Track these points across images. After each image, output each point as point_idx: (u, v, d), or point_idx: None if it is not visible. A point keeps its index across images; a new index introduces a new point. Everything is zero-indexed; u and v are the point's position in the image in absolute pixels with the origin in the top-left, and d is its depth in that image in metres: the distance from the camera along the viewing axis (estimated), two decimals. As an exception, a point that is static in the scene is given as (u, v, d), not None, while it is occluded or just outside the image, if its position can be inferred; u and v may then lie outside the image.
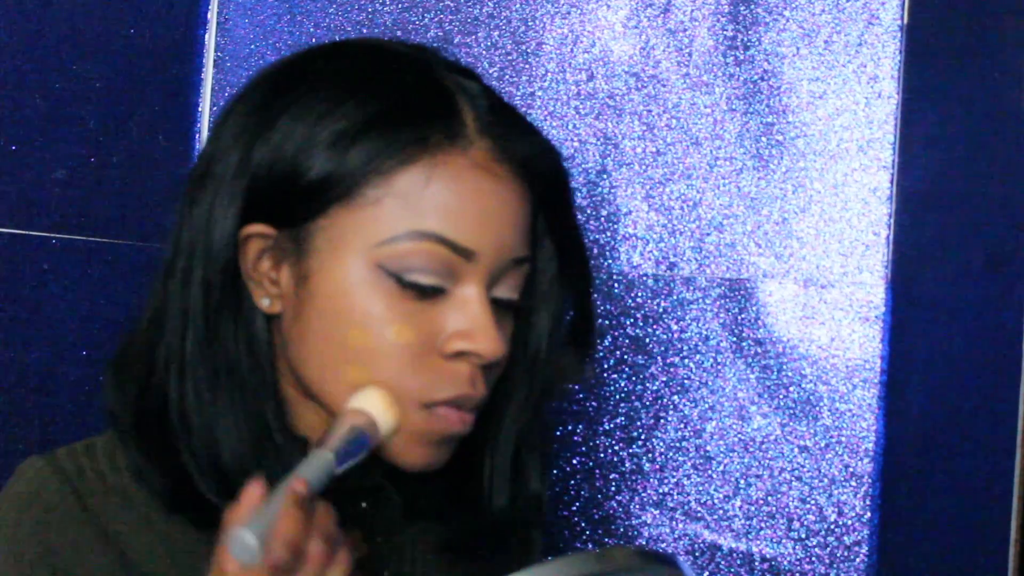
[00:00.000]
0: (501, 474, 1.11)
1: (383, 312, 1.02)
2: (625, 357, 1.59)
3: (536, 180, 1.07)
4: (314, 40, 1.63)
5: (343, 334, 1.02)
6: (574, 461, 1.60)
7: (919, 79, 1.56)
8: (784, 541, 1.56)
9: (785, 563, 1.55)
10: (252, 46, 1.68)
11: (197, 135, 1.67)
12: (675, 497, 1.58)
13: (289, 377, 1.07)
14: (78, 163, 1.62)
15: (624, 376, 1.60)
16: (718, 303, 1.59)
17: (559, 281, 1.11)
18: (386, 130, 1.02)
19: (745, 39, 1.60)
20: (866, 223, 1.56)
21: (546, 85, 1.63)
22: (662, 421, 1.59)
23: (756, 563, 1.56)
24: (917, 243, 1.57)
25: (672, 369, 1.59)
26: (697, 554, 1.57)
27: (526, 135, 1.07)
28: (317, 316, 1.03)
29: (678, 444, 1.58)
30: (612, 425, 1.59)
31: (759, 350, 1.57)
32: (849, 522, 1.55)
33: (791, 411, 1.56)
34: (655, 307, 1.60)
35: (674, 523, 1.58)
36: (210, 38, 1.68)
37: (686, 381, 1.59)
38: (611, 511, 1.59)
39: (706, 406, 1.58)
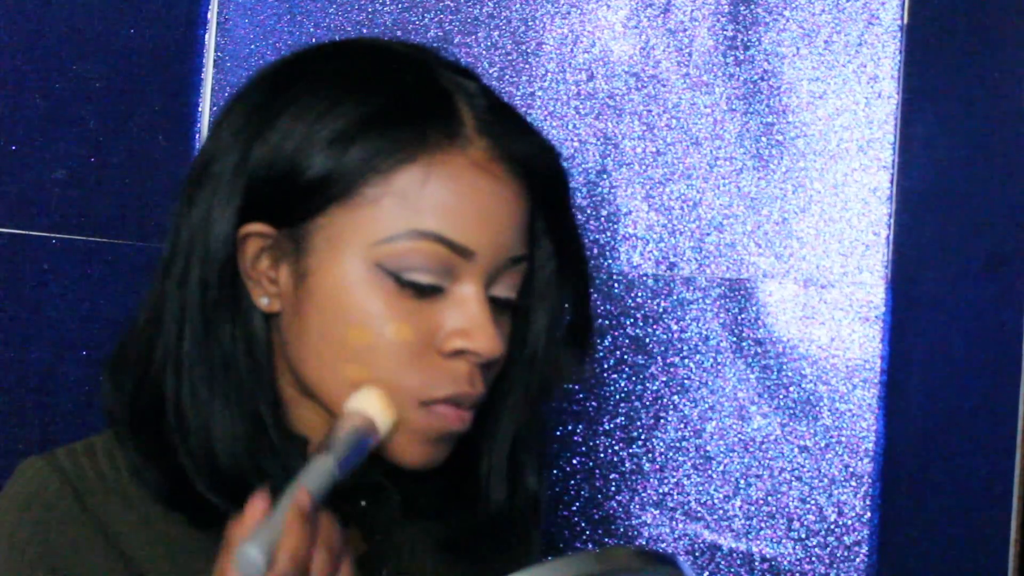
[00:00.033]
0: (498, 472, 1.12)
1: (382, 310, 1.02)
2: (625, 357, 1.59)
3: (534, 180, 1.07)
4: (314, 40, 1.63)
5: (342, 332, 1.03)
6: (574, 461, 1.60)
7: (919, 79, 1.56)
8: (784, 541, 1.56)
9: (785, 563, 1.55)
10: (252, 46, 1.68)
11: (197, 135, 1.67)
12: (675, 497, 1.58)
13: (288, 376, 1.07)
14: (78, 163, 1.62)
15: (624, 376, 1.60)
16: (718, 303, 1.59)
17: (557, 280, 1.12)
18: (385, 129, 1.02)
19: (745, 39, 1.60)
20: (866, 223, 1.56)
21: (546, 85, 1.63)
22: (662, 421, 1.59)
23: (756, 563, 1.56)
24: (917, 243, 1.57)
25: (672, 369, 1.59)
26: (697, 554, 1.57)
27: (524, 135, 1.07)
28: (316, 315, 1.03)
29: (678, 444, 1.58)
30: (612, 425, 1.59)
31: (759, 350, 1.57)
32: (849, 522, 1.55)
33: (791, 411, 1.56)
34: (655, 307, 1.60)
35: (674, 523, 1.58)
36: (210, 38, 1.68)
37: (686, 381, 1.59)
38: (611, 511, 1.59)
39: (706, 406, 1.58)
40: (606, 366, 1.60)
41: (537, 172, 1.07)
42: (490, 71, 1.63)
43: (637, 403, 1.59)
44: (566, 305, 1.13)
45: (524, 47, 1.63)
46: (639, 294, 1.60)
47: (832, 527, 1.55)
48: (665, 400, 1.59)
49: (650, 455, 1.58)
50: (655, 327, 1.59)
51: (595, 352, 1.60)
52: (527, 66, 1.63)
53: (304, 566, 0.91)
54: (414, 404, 1.03)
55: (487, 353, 1.03)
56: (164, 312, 1.06)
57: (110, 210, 1.63)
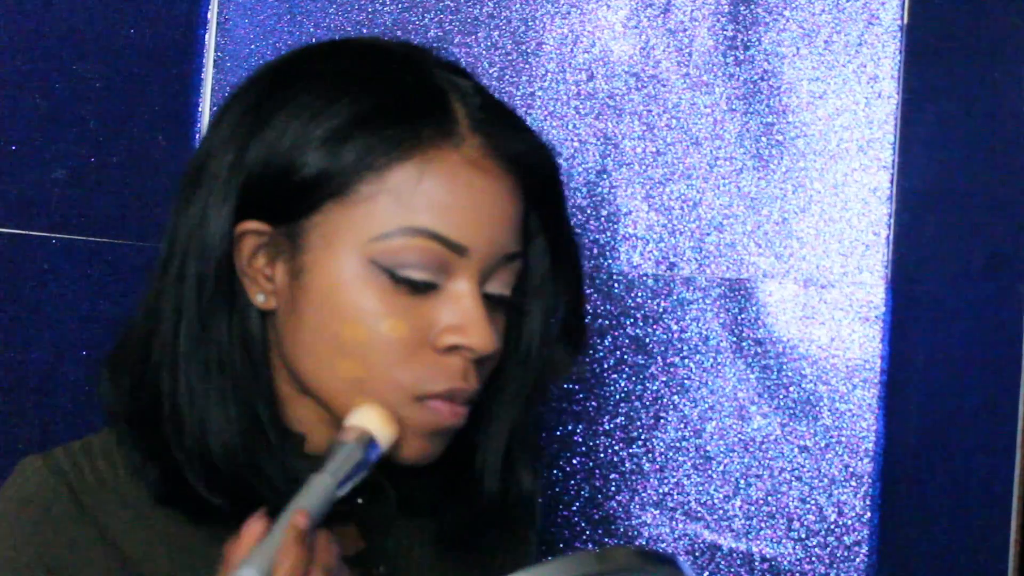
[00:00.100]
0: (492, 468, 1.12)
1: (376, 307, 1.03)
2: (625, 357, 1.59)
3: (528, 177, 1.08)
4: (314, 40, 1.63)
5: (337, 329, 1.03)
6: (574, 461, 1.60)
7: (919, 79, 1.56)
8: (784, 541, 1.56)
9: (785, 563, 1.55)
10: (252, 46, 1.68)
11: (197, 135, 1.67)
12: (675, 497, 1.58)
13: (283, 373, 1.08)
14: (78, 163, 1.62)
15: (624, 376, 1.60)
16: (718, 303, 1.59)
17: (551, 278, 1.12)
18: (379, 127, 1.03)
19: (745, 39, 1.60)
20: (866, 223, 1.56)
21: (546, 85, 1.63)
22: (662, 421, 1.59)
23: (756, 563, 1.56)
24: (917, 243, 1.57)
25: (672, 369, 1.59)
26: (697, 554, 1.57)
27: (518, 132, 1.08)
28: (311, 311, 1.04)
29: (678, 444, 1.58)
30: (612, 425, 1.59)
31: (759, 350, 1.57)
32: (849, 522, 1.55)
33: (791, 411, 1.56)
34: (655, 307, 1.60)
35: (674, 523, 1.58)
36: (210, 38, 1.68)
37: (686, 381, 1.59)
38: (611, 511, 1.59)
39: (706, 406, 1.58)
40: (606, 366, 1.60)
41: (531, 169, 1.08)
42: (490, 71, 1.63)
43: (637, 403, 1.59)
44: (560, 302, 1.13)
45: (524, 47, 1.63)
46: (639, 294, 1.60)
47: (832, 527, 1.55)
48: (665, 400, 1.59)
49: (650, 455, 1.58)
50: (655, 327, 1.59)
51: (594, 351, 1.60)
52: (527, 66, 1.63)
53: None
54: (409, 400, 1.04)
55: (481, 348, 1.04)
56: (161, 309, 1.07)
57: (110, 210, 1.63)
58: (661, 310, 1.60)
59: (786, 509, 1.56)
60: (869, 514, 1.54)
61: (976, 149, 1.57)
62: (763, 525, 1.56)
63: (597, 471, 1.59)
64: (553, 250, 1.12)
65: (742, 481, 1.57)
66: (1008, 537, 1.54)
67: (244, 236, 1.05)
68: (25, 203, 1.59)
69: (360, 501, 1.09)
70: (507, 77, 1.63)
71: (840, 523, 1.55)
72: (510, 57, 1.64)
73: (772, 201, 1.59)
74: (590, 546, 1.59)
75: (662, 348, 1.59)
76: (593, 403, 1.60)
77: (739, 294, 1.58)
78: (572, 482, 1.59)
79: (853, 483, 1.54)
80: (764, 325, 1.57)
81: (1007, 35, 1.57)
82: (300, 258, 1.04)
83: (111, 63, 1.63)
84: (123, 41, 1.64)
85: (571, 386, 1.60)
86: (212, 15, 1.68)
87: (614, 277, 1.60)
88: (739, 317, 1.58)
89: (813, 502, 1.55)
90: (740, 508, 1.57)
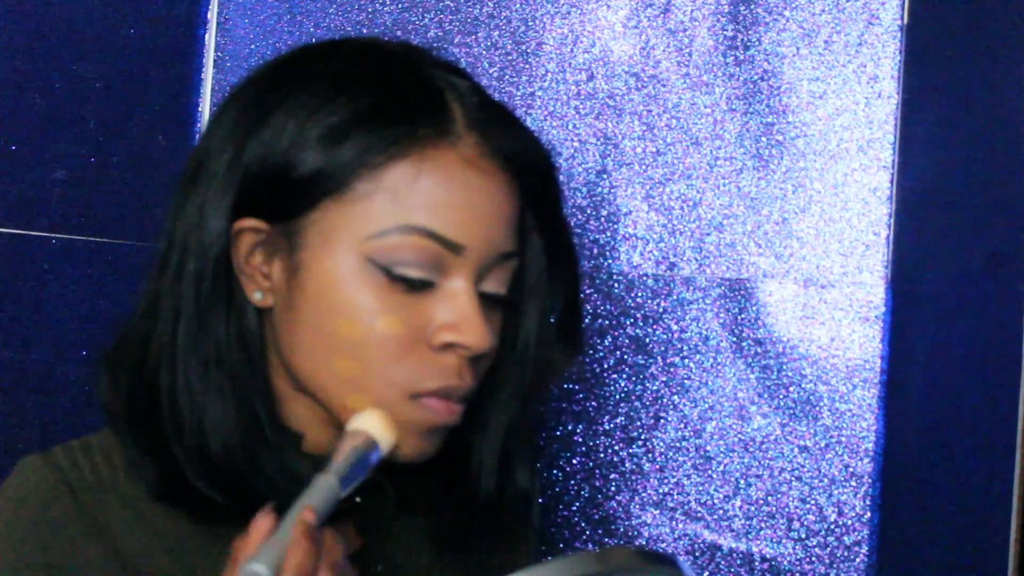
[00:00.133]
0: (488, 466, 1.13)
1: (372, 304, 1.03)
2: (625, 357, 1.60)
3: (524, 176, 1.08)
4: (314, 40, 1.63)
5: (333, 326, 1.04)
6: (574, 461, 1.60)
7: (919, 79, 1.56)
8: (784, 541, 1.56)
9: (785, 563, 1.55)
10: (252, 46, 1.68)
11: (197, 135, 1.67)
12: (675, 497, 1.58)
13: (280, 371, 1.08)
14: (78, 163, 1.62)
15: (624, 376, 1.60)
16: (718, 303, 1.59)
17: (548, 276, 1.13)
18: (376, 125, 1.04)
19: (745, 39, 1.60)
20: (866, 223, 1.56)
21: (546, 85, 1.63)
22: (662, 421, 1.59)
23: (756, 563, 1.56)
24: (917, 243, 1.57)
25: (672, 369, 1.59)
26: (697, 554, 1.57)
27: (514, 132, 1.09)
28: (308, 308, 1.04)
29: (678, 444, 1.58)
30: (612, 425, 1.59)
31: (759, 350, 1.57)
32: (849, 522, 1.55)
33: (791, 411, 1.56)
34: (655, 307, 1.60)
35: (674, 523, 1.58)
36: (210, 38, 1.68)
37: (686, 381, 1.59)
38: (611, 511, 1.59)
39: (706, 406, 1.58)
40: (606, 366, 1.60)
41: (527, 168, 1.08)
42: (490, 71, 1.63)
43: (637, 403, 1.59)
44: (557, 301, 1.13)
45: (524, 47, 1.63)
46: (639, 294, 1.60)
47: (832, 527, 1.55)
48: (665, 400, 1.59)
49: (650, 455, 1.58)
50: (655, 327, 1.59)
51: (594, 351, 1.60)
52: (527, 66, 1.63)
53: None
54: (404, 397, 1.04)
55: (476, 347, 1.04)
56: (159, 306, 1.07)
57: (110, 210, 1.63)
58: (661, 310, 1.60)
59: (786, 509, 1.56)
60: (869, 514, 1.54)
61: (976, 149, 1.57)
62: (763, 525, 1.56)
63: (597, 471, 1.59)
64: (549, 249, 1.12)
65: (742, 481, 1.57)
66: (1008, 537, 1.54)
67: (242, 233, 1.06)
68: (25, 203, 1.59)
69: (358, 500, 1.09)
70: (507, 77, 1.63)
71: (840, 523, 1.55)
72: (510, 57, 1.64)
73: (772, 201, 1.59)
74: (590, 546, 1.59)
75: (662, 348, 1.59)
76: (593, 403, 1.60)
77: (739, 294, 1.58)
78: (572, 482, 1.59)
79: (853, 483, 1.54)
80: (764, 325, 1.57)
81: (1007, 35, 1.57)
82: (297, 255, 1.05)
83: (111, 63, 1.63)
84: (123, 41, 1.64)
85: (571, 386, 1.60)
86: (212, 15, 1.68)
87: (614, 277, 1.60)
88: (739, 317, 1.58)
89: (813, 502, 1.55)
90: (740, 508, 1.57)
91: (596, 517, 1.59)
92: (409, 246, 1.03)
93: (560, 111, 1.62)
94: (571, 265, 1.14)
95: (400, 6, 1.65)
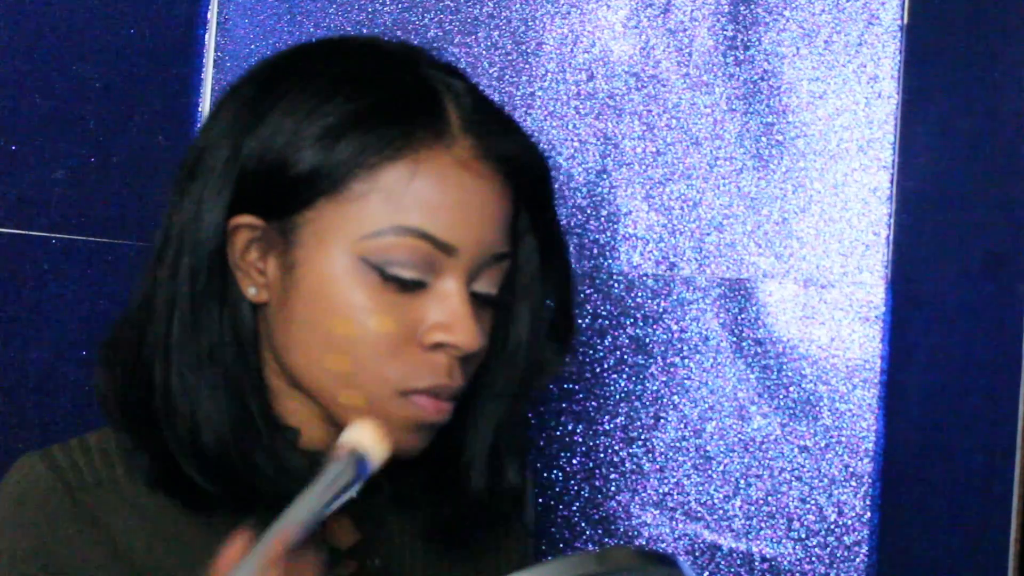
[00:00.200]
0: (479, 463, 1.14)
1: (365, 303, 1.04)
2: (625, 357, 1.60)
3: (518, 178, 1.09)
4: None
5: (326, 323, 1.05)
6: (574, 461, 1.60)
7: (919, 79, 1.56)
8: (784, 541, 1.56)
9: (785, 563, 1.55)
10: (252, 46, 1.68)
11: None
12: (675, 497, 1.58)
13: (273, 366, 1.09)
14: (78, 163, 1.62)
15: (624, 376, 1.60)
16: (718, 303, 1.59)
17: (540, 277, 1.14)
18: (373, 125, 1.04)
19: (745, 39, 1.60)
20: (866, 223, 1.56)
21: (546, 85, 1.63)
22: (662, 421, 1.59)
23: (756, 563, 1.56)
24: (917, 243, 1.57)
25: (672, 369, 1.59)
26: (697, 554, 1.57)
27: (509, 134, 1.10)
28: (302, 305, 1.05)
29: (678, 444, 1.58)
30: (612, 425, 1.59)
31: (759, 350, 1.57)
32: (849, 522, 1.55)
33: (791, 411, 1.56)
34: (655, 307, 1.60)
35: (674, 523, 1.58)
36: (210, 38, 1.68)
37: (686, 381, 1.59)
38: (611, 511, 1.59)
39: (706, 406, 1.58)
40: (606, 366, 1.60)
41: (521, 170, 1.09)
42: (490, 71, 1.63)
43: (637, 403, 1.59)
44: (549, 301, 1.14)
45: (524, 47, 1.63)
46: (639, 294, 1.60)
47: (832, 527, 1.55)
48: (665, 400, 1.59)
49: (650, 455, 1.58)
50: (655, 327, 1.59)
51: (594, 351, 1.60)
52: (527, 66, 1.63)
53: None
54: (394, 394, 1.05)
55: (466, 346, 1.05)
56: (155, 300, 1.08)
57: (110, 210, 1.63)
58: (661, 310, 1.60)
59: (786, 509, 1.56)
60: (869, 514, 1.54)
61: (976, 149, 1.57)
62: (763, 525, 1.56)
63: (597, 471, 1.59)
64: (542, 250, 1.14)
65: (742, 481, 1.57)
66: (1008, 537, 1.54)
67: (237, 230, 1.07)
68: (25, 203, 1.59)
69: (355, 494, 1.10)
70: (507, 77, 1.63)
71: (840, 523, 1.55)
72: (510, 57, 1.64)
73: (772, 201, 1.58)
74: (590, 546, 1.59)
75: (662, 348, 1.59)
76: (593, 403, 1.60)
77: (739, 294, 1.58)
78: (572, 482, 1.60)
79: (853, 483, 1.54)
80: (764, 325, 1.57)
81: (1007, 35, 1.57)
82: (292, 253, 1.06)
83: (111, 63, 1.63)
84: (123, 41, 1.64)
85: (571, 386, 1.60)
86: (212, 15, 1.68)
87: (614, 277, 1.60)
88: (739, 317, 1.58)
89: (813, 502, 1.55)
90: (740, 508, 1.57)
91: (596, 517, 1.59)
92: (403, 247, 1.04)
93: (560, 111, 1.62)
94: (564, 266, 1.15)
95: (400, 6, 1.65)
